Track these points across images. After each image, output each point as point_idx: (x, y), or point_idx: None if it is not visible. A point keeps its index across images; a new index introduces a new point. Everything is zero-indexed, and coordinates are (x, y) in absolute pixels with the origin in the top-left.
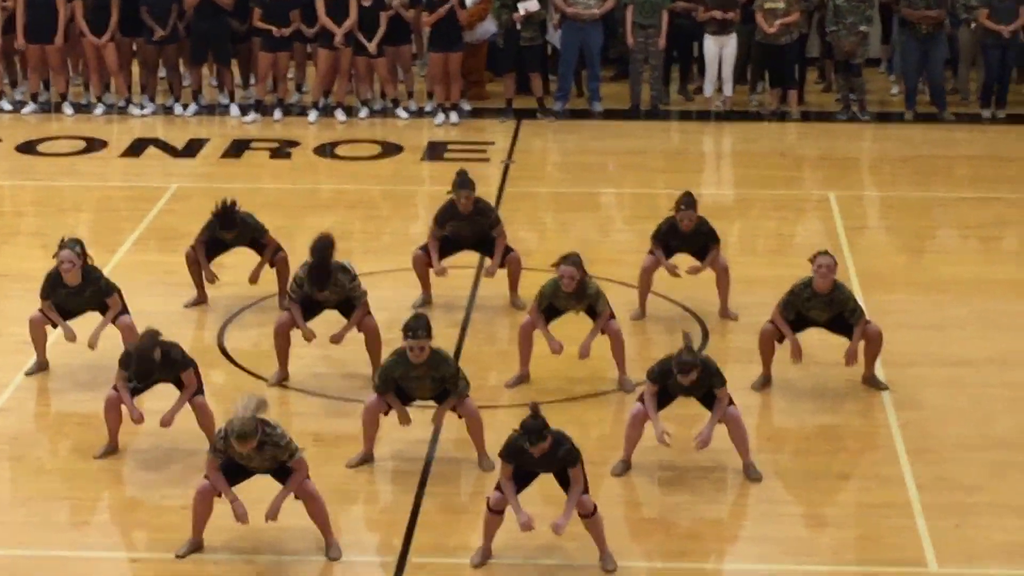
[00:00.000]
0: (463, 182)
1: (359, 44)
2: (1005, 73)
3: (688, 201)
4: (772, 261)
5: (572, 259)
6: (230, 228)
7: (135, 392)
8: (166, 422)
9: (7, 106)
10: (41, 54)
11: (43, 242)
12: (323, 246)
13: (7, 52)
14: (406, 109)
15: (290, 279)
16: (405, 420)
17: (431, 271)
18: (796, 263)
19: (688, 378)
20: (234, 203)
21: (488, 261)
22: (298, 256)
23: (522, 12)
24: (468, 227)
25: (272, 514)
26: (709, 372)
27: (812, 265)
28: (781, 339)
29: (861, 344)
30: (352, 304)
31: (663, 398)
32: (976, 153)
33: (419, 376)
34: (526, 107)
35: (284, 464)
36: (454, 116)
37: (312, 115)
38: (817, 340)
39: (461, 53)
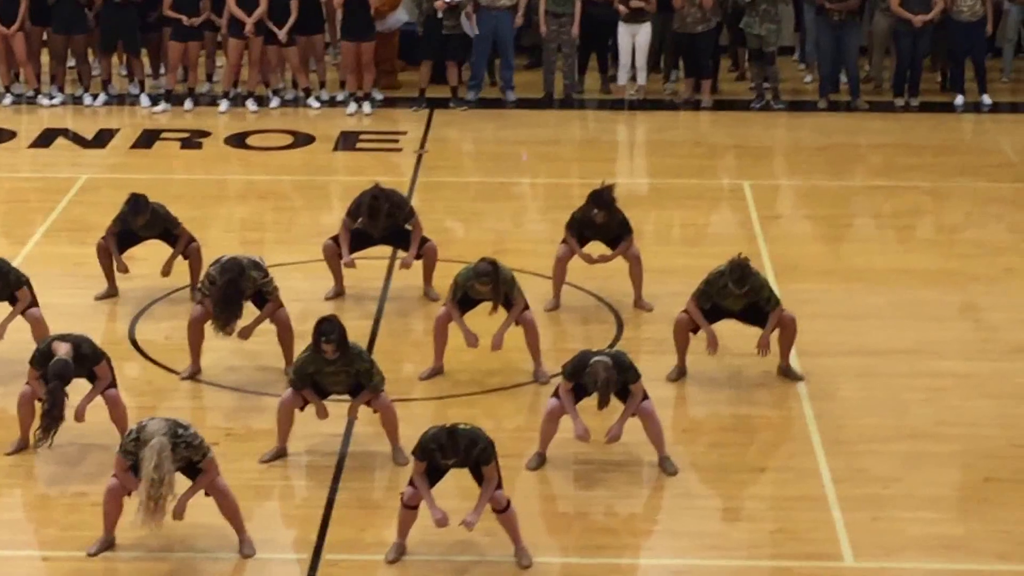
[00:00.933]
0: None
1: (270, 33)
2: (917, 61)
3: (602, 201)
4: (686, 251)
5: (483, 275)
6: (141, 213)
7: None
8: (79, 415)
9: None
10: None
11: None
12: (231, 279)
13: None
14: (318, 99)
15: (203, 272)
16: (323, 414)
17: (342, 262)
18: (711, 253)
19: (741, 289)
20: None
21: (401, 253)
22: (210, 247)
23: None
24: (383, 221)
25: (179, 513)
26: (623, 367)
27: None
28: (696, 329)
29: (775, 334)
30: (264, 297)
31: (579, 393)
32: (890, 141)
33: (334, 372)
34: (439, 96)
35: (195, 464)
36: (366, 106)
37: (223, 105)
38: (732, 331)
39: (373, 42)
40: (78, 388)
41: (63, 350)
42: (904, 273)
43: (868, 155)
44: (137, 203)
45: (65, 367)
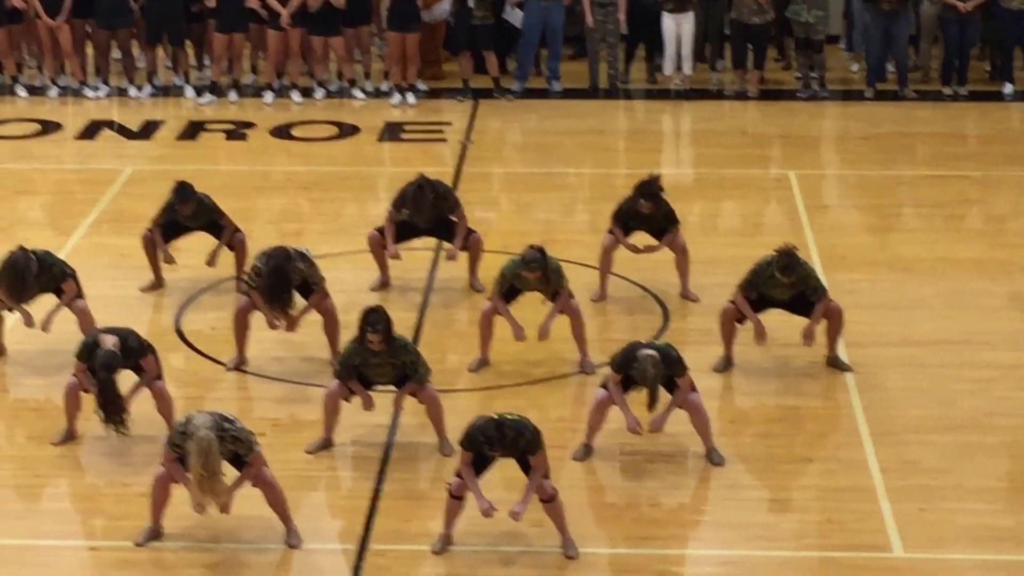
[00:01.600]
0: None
1: (316, 24)
2: (965, 49)
3: (649, 192)
4: (733, 241)
5: (532, 261)
6: (187, 201)
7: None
8: (125, 407)
9: None
10: None
11: None
12: (278, 266)
13: None
14: (363, 90)
15: (249, 264)
16: (369, 405)
17: (387, 254)
18: (757, 243)
19: (789, 278)
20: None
21: (447, 244)
22: (255, 239)
23: None
24: (428, 212)
25: (226, 506)
26: (670, 361)
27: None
28: (742, 319)
29: (822, 325)
30: (310, 288)
31: (627, 384)
32: (938, 131)
33: (379, 363)
34: (484, 87)
35: (241, 458)
36: (411, 97)
37: (268, 96)
38: (779, 321)
39: (418, 33)
40: (125, 381)
41: (110, 343)
42: (952, 263)
43: (916, 144)
44: (183, 191)
45: (112, 357)
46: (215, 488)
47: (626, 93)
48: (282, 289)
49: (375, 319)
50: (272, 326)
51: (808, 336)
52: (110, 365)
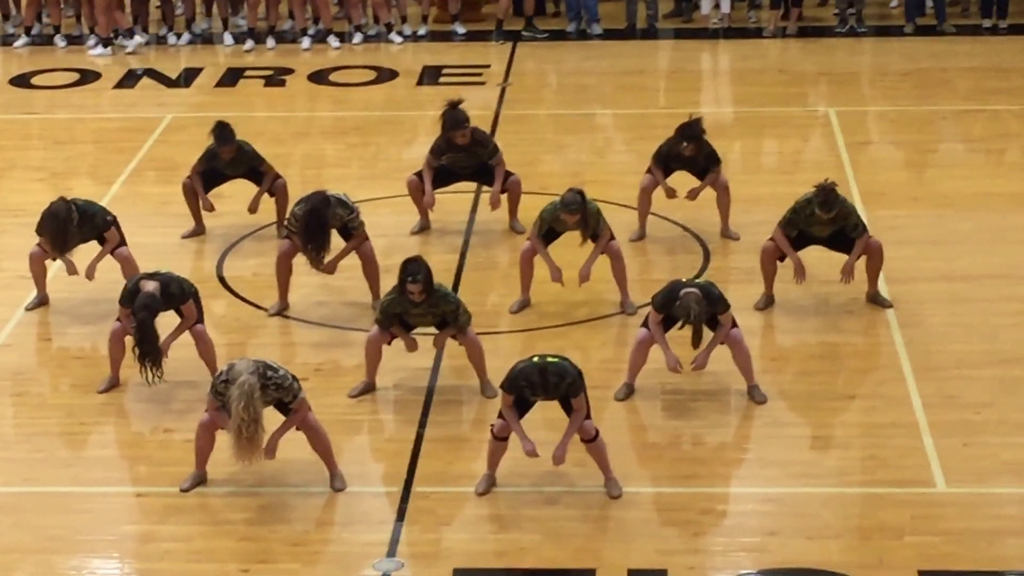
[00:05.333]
0: (456, 122)
1: None
2: None
3: (691, 135)
4: (773, 179)
5: (571, 204)
6: (228, 142)
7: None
8: (163, 351)
9: None
10: None
11: (40, 176)
12: (313, 208)
13: None
14: (400, 33)
15: (289, 209)
16: (412, 346)
17: (424, 200)
18: (798, 180)
19: (829, 214)
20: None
21: (487, 189)
22: (295, 184)
23: None
24: (466, 158)
25: (271, 452)
26: (712, 299)
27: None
28: (783, 258)
29: (861, 261)
30: (350, 232)
31: (668, 323)
32: (978, 65)
33: (420, 313)
34: (519, 29)
35: (286, 404)
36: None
37: (305, 42)
38: (819, 258)
39: None
40: (166, 325)
41: (150, 287)
42: (993, 197)
43: (955, 79)
44: (223, 131)
45: (152, 299)
46: (255, 436)
47: (663, 33)
48: (319, 231)
49: (415, 269)
50: (314, 267)
51: (847, 272)
52: (149, 306)
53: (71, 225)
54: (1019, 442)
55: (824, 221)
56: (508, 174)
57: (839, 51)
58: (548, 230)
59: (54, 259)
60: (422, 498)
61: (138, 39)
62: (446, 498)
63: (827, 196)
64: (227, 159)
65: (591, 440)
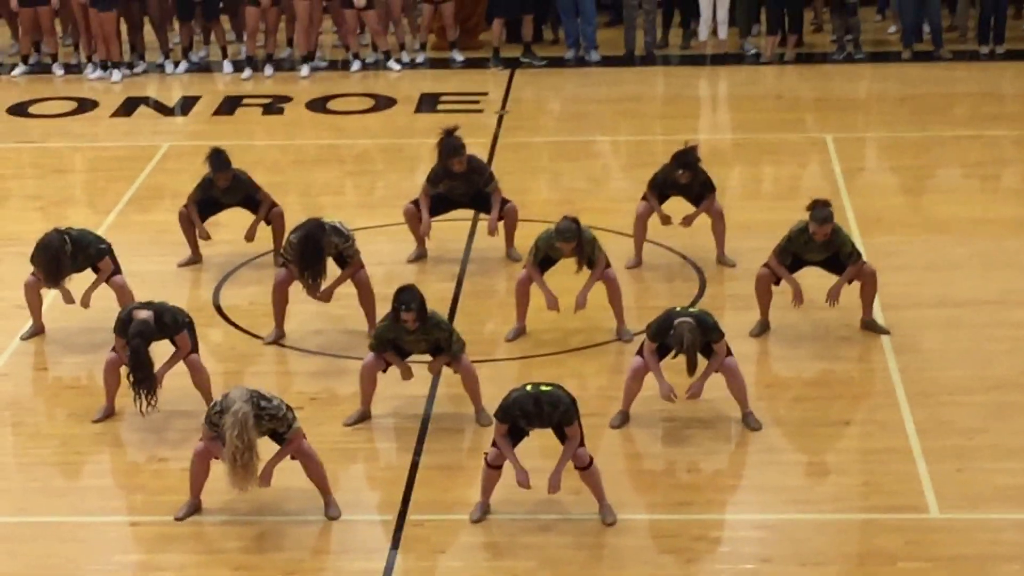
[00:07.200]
0: (453, 149)
1: None
2: (1001, 8)
3: (686, 163)
4: (770, 205)
5: (566, 232)
6: (223, 169)
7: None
8: (157, 381)
9: None
10: (34, 16)
11: (37, 205)
12: (308, 234)
13: None
14: (398, 61)
15: (285, 237)
16: (407, 374)
17: (420, 230)
18: (794, 207)
19: (824, 230)
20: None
21: (483, 216)
22: (292, 212)
23: None
24: (462, 186)
25: (266, 480)
26: (707, 327)
27: (809, 215)
28: (778, 282)
29: (855, 288)
30: (345, 260)
31: (663, 352)
32: (975, 91)
33: (414, 340)
34: (516, 56)
35: (281, 435)
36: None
37: (304, 70)
38: (813, 284)
39: (453, 1)
40: (161, 355)
41: (143, 315)
42: (989, 223)
43: (952, 105)
44: (219, 159)
45: (145, 326)
46: (249, 464)
47: (661, 60)
48: (314, 258)
49: (408, 297)
50: (310, 294)
51: (833, 296)
52: (143, 333)
53: (64, 255)
54: (1012, 467)
55: (819, 245)
56: (505, 201)
57: (836, 77)
58: (544, 258)
59: (49, 288)
60: (417, 526)
61: (121, 72)
62: (441, 526)
63: (823, 212)
64: (223, 187)
65: (585, 468)
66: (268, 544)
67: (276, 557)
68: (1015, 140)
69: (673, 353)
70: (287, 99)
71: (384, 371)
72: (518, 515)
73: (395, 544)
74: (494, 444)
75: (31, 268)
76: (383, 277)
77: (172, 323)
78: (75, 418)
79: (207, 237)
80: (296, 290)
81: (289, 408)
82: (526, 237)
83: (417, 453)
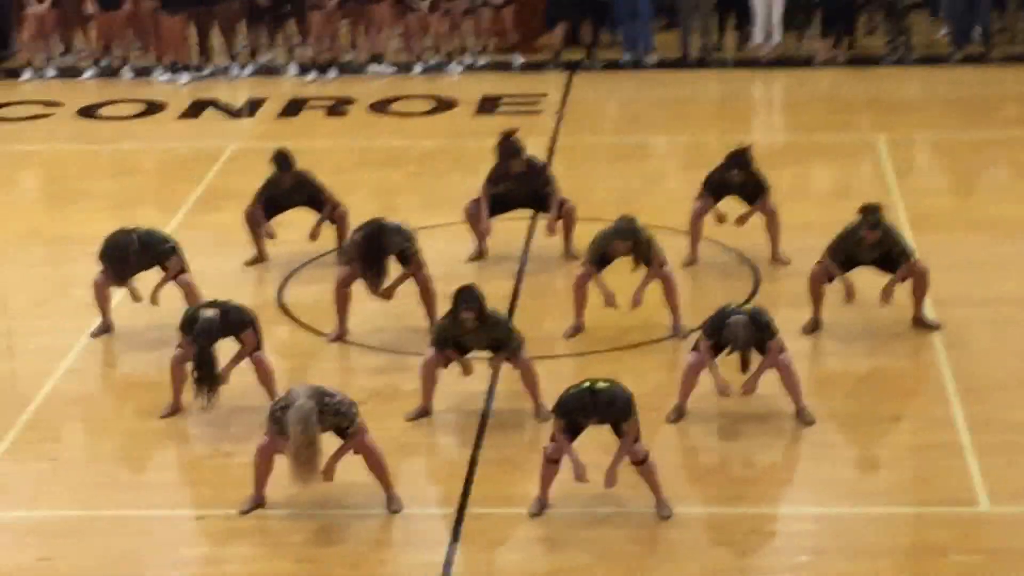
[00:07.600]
0: (512, 151)
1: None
2: None
3: (740, 162)
4: (823, 206)
5: (624, 231)
6: (287, 169)
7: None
8: (223, 377)
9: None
10: (107, 20)
11: (106, 205)
12: (369, 234)
13: (67, 19)
14: (459, 63)
15: (348, 237)
16: (468, 370)
17: (480, 227)
18: (846, 207)
19: (873, 235)
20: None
21: (543, 216)
22: (355, 212)
23: None
24: (521, 186)
25: (328, 474)
26: (761, 325)
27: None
28: (831, 280)
29: (907, 286)
30: (407, 259)
31: (718, 349)
32: None
33: (474, 337)
34: (575, 59)
35: (344, 430)
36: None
37: (368, 71)
38: (867, 282)
39: (513, 6)
40: (227, 353)
41: (209, 314)
42: None
43: (1003, 106)
44: (283, 159)
45: (211, 323)
46: (313, 459)
47: (716, 63)
48: (377, 257)
49: (468, 297)
50: (372, 293)
51: (887, 294)
52: (208, 331)
53: (131, 254)
54: None
55: (871, 244)
56: (563, 201)
57: (887, 79)
58: (601, 256)
59: (117, 286)
60: (477, 519)
61: (189, 75)
62: (500, 519)
63: (874, 217)
64: (287, 187)
65: (641, 462)
66: (331, 537)
67: (338, 550)
68: None
69: (728, 349)
70: (350, 101)
71: (445, 366)
72: (575, 509)
73: (455, 537)
74: (552, 439)
75: (100, 267)
76: (443, 276)
77: (237, 321)
78: (142, 414)
79: (272, 236)
80: (359, 288)
81: (352, 404)
82: (584, 236)
83: (476, 448)
